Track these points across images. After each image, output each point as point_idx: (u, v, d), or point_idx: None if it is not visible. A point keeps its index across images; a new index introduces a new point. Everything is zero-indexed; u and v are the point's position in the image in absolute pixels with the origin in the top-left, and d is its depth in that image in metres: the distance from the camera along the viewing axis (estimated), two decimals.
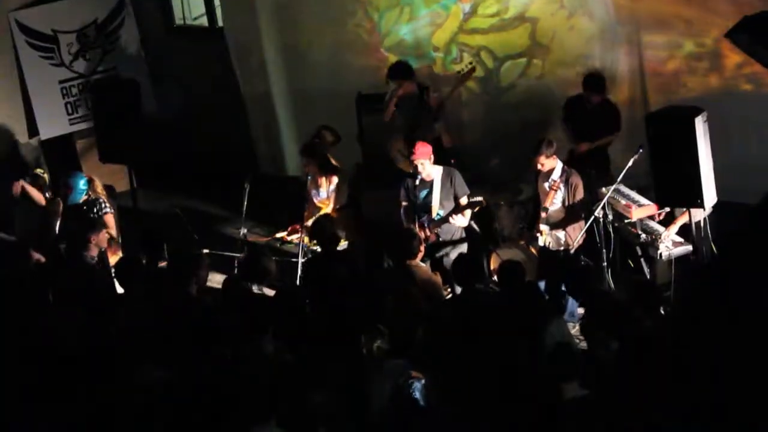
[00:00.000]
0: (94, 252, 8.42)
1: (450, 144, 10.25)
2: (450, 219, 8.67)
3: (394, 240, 8.08)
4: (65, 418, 6.10)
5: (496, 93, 10.95)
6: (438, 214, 8.78)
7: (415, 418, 5.83)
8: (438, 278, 7.85)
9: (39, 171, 9.24)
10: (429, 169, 8.75)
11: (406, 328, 6.71)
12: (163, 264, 8.16)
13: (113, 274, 8.21)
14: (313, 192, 9.65)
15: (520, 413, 5.59)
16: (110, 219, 9.24)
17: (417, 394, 5.92)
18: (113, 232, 9.13)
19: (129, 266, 7.74)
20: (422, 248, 7.99)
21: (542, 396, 5.72)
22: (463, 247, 8.82)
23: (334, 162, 9.82)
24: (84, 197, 9.37)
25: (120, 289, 8.07)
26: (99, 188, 9.47)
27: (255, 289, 7.55)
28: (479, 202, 8.65)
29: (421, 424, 5.83)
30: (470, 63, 10.37)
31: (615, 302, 7.40)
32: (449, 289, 8.33)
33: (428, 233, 8.72)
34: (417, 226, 8.70)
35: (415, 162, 8.68)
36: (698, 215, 8.09)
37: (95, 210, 9.27)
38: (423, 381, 6.00)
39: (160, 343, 6.69)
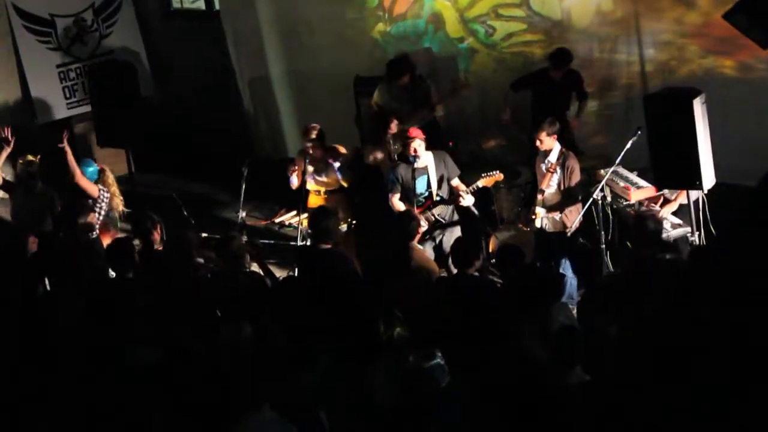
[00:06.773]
0: (82, 236, 8.39)
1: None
2: (459, 200, 8.64)
3: (393, 221, 8.00)
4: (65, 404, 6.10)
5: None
6: (439, 196, 8.75)
7: (431, 399, 5.72)
8: (433, 262, 7.80)
9: (30, 157, 9.07)
10: (423, 154, 8.69)
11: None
12: (158, 246, 8.05)
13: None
14: (311, 177, 9.44)
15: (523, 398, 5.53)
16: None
17: (436, 375, 5.79)
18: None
19: (120, 249, 7.67)
20: (420, 230, 7.96)
21: (545, 380, 5.68)
22: (456, 230, 8.78)
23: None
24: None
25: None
26: (110, 179, 9.24)
27: None
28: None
29: (437, 407, 5.72)
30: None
31: (615, 285, 7.35)
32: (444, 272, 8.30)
33: (430, 217, 8.70)
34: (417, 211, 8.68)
35: (412, 144, 8.61)
36: (694, 194, 8.11)
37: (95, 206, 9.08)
38: (439, 360, 5.82)
39: (154, 324, 6.68)
